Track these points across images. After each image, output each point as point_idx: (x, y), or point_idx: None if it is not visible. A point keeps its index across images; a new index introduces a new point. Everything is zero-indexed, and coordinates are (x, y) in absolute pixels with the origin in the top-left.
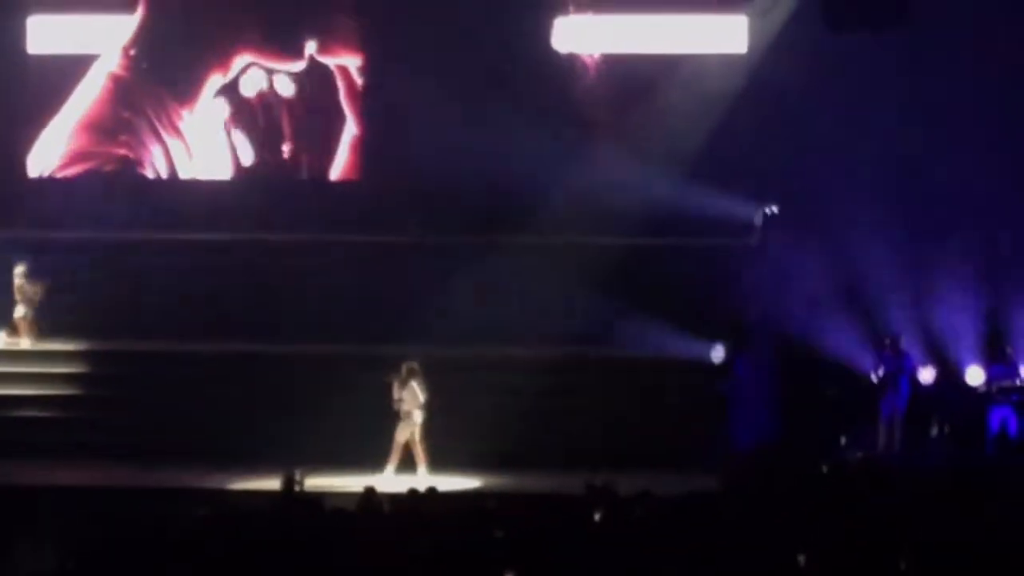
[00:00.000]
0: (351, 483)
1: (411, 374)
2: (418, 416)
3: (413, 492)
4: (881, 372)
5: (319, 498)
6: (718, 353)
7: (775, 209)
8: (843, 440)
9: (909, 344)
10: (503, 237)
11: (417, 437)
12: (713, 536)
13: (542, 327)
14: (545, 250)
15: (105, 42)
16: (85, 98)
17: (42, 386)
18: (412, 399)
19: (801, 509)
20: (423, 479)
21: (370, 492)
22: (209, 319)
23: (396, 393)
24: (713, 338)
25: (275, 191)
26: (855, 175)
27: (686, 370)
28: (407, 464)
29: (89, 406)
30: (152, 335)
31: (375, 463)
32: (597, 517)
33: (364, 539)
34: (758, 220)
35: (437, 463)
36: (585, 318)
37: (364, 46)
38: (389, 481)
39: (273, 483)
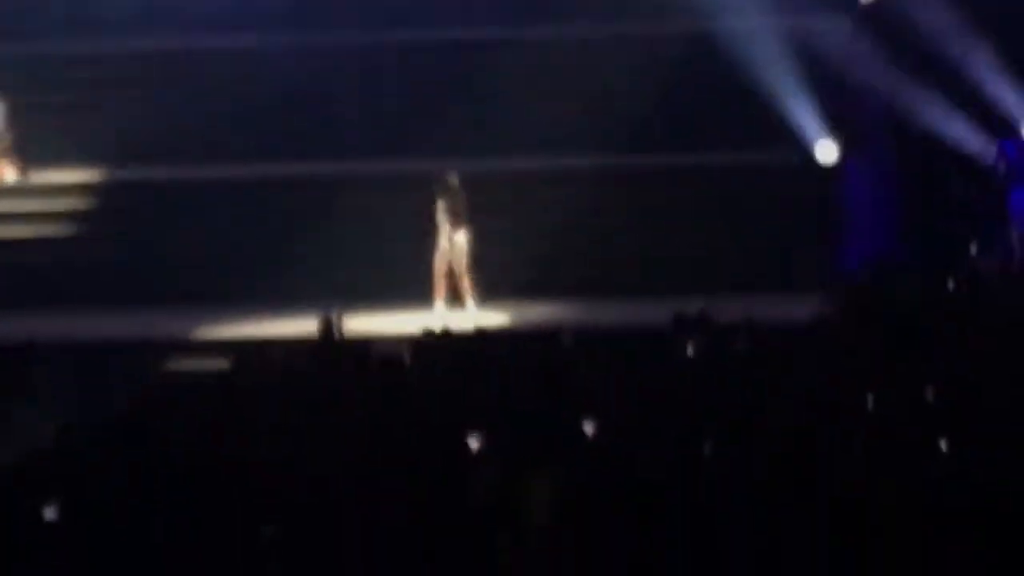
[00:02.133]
0: (395, 324)
1: (453, 190)
2: (463, 239)
3: (479, 331)
4: (1003, 167)
5: (365, 345)
6: (827, 151)
7: None
8: (973, 248)
9: None
10: (539, 29)
11: (464, 265)
12: (826, 370)
13: (596, 132)
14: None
15: None
16: None
17: (32, 226)
18: (456, 219)
19: (927, 334)
20: (472, 314)
21: (427, 336)
22: (211, 139)
23: (440, 214)
24: (819, 133)
25: None
26: None
27: (787, 176)
28: (453, 297)
29: (86, 246)
30: (153, 162)
31: (418, 299)
32: (690, 352)
33: (421, 391)
34: None
35: (489, 295)
36: (650, 119)
37: None
38: (441, 319)
39: (305, 328)
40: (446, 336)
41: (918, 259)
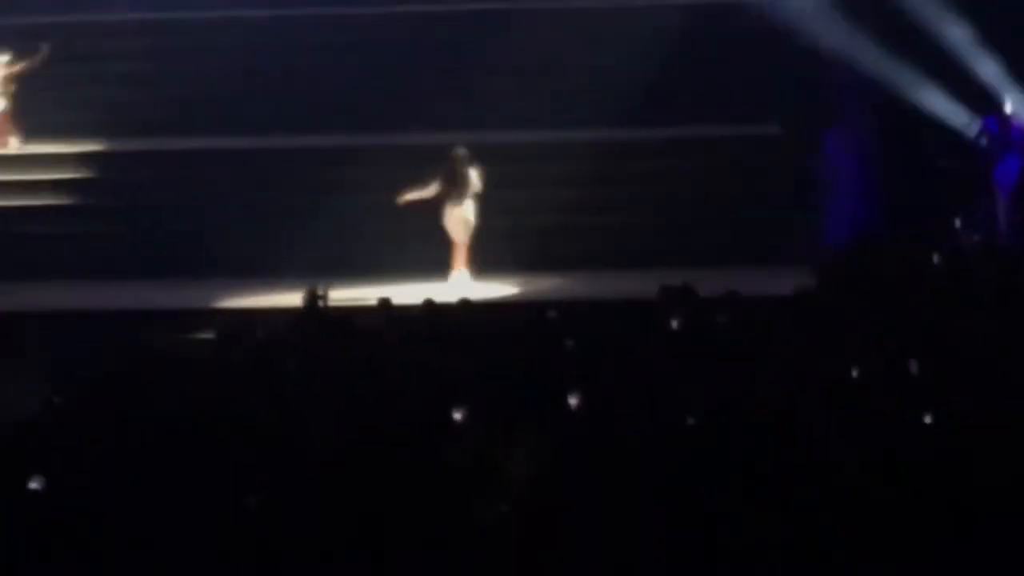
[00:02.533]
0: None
1: (463, 160)
2: (469, 211)
3: (464, 303)
4: (985, 142)
5: (348, 316)
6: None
7: None
8: (958, 222)
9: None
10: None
11: (464, 237)
12: (810, 343)
13: (580, 106)
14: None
15: None
16: None
17: (28, 196)
18: (467, 188)
19: (912, 308)
20: (464, 284)
21: (385, 304)
22: (203, 111)
23: (443, 185)
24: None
25: None
26: None
27: (766, 148)
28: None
29: (75, 218)
30: (140, 133)
31: (409, 271)
32: (675, 324)
33: (400, 360)
34: None
35: (481, 267)
36: (636, 93)
37: None
38: (462, 287)
39: (290, 300)
40: (430, 308)
41: (901, 232)
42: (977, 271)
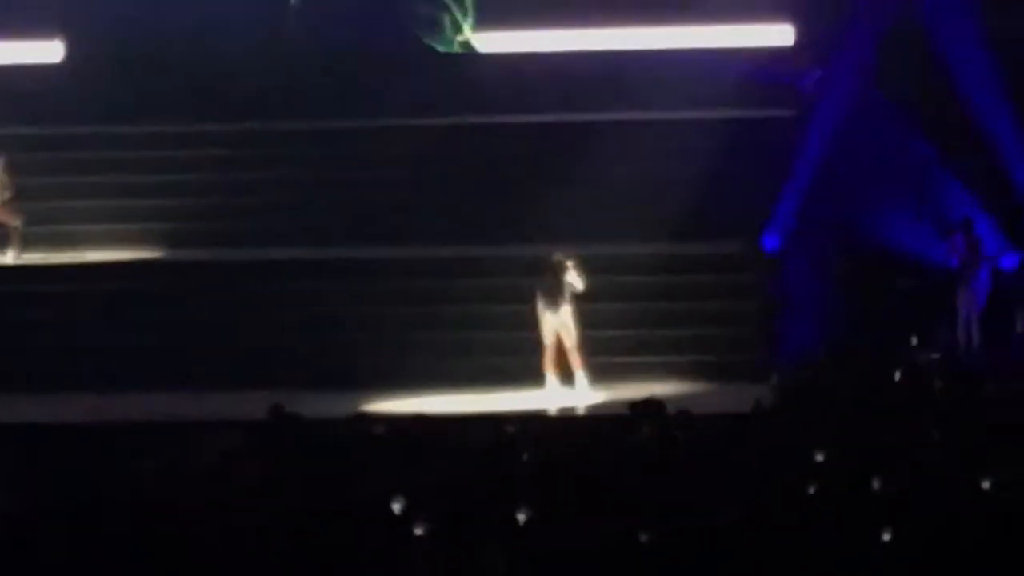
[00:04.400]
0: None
1: (562, 267)
2: (567, 316)
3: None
4: (955, 262)
5: (314, 429)
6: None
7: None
8: (913, 340)
9: (985, 227)
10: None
11: (574, 339)
12: (768, 460)
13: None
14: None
15: None
16: None
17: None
18: (567, 292)
19: (872, 425)
20: (583, 390)
21: (360, 417)
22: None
23: (543, 294)
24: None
25: None
26: None
27: (729, 267)
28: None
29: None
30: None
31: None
32: (634, 440)
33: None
34: None
35: (471, 379)
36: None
37: None
38: (554, 394)
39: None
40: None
41: (861, 350)
42: (936, 389)
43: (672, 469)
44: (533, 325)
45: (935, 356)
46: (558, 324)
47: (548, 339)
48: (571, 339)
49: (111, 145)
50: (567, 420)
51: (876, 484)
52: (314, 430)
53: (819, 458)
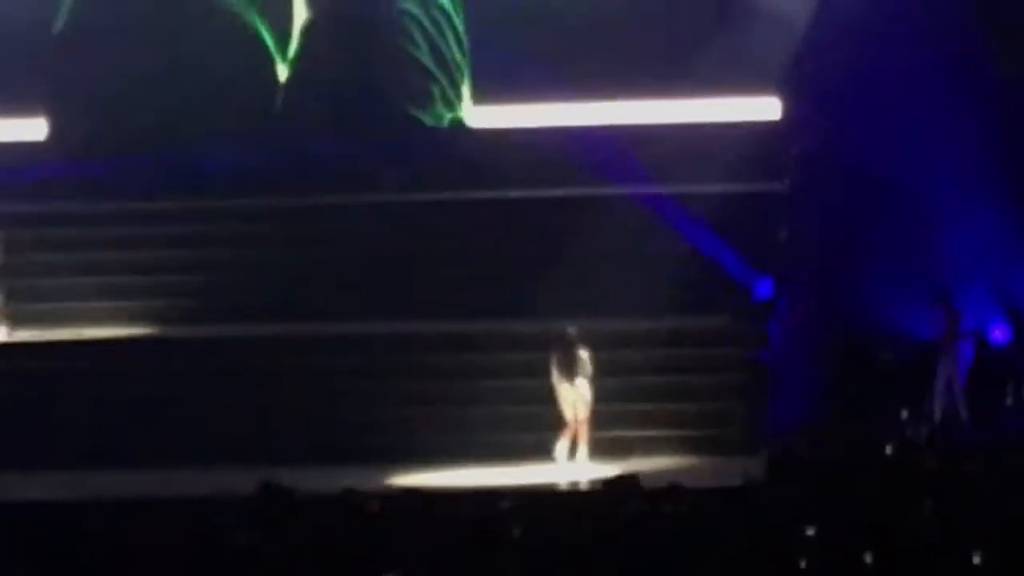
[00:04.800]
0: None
1: (575, 342)
2: (586, 387)
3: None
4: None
5: (302, 504)
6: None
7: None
8: (904, 413)
9: (976, 299)
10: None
11: (584, 413)
12: (758, 534)
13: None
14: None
15: None
16: None
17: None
18: (583, 368)
19: (863, 499)
20: (584, 464)
21: (350, 492)
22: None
23: (559, 368)
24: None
25: None
26: None
27: (715, 340)
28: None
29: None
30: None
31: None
32: (622, 515)
33: (346, 545)
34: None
35: (473, 453)
36: (592, 285)
37: None
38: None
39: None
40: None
41: (848, 424)
42: (925, 462)
43: (661, 543)
44: (535, 399)
45: (925, 430)
46: (575, 397)
47: (569, 413)
48: (585, 412)
49: (92, 223)
50: (563, 495)
51: (868, 559)
52: (306, 506)
53: (810, 532)
